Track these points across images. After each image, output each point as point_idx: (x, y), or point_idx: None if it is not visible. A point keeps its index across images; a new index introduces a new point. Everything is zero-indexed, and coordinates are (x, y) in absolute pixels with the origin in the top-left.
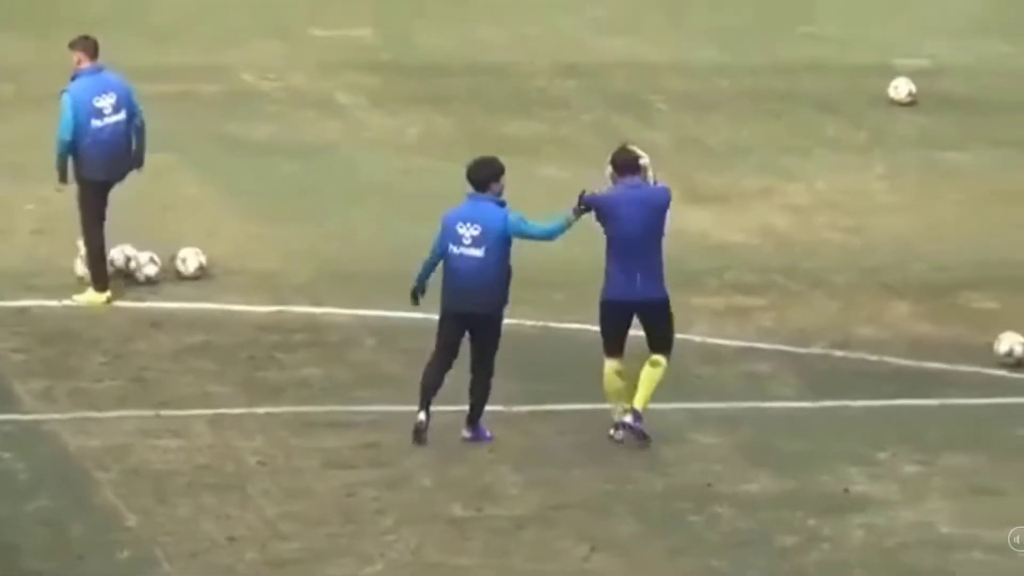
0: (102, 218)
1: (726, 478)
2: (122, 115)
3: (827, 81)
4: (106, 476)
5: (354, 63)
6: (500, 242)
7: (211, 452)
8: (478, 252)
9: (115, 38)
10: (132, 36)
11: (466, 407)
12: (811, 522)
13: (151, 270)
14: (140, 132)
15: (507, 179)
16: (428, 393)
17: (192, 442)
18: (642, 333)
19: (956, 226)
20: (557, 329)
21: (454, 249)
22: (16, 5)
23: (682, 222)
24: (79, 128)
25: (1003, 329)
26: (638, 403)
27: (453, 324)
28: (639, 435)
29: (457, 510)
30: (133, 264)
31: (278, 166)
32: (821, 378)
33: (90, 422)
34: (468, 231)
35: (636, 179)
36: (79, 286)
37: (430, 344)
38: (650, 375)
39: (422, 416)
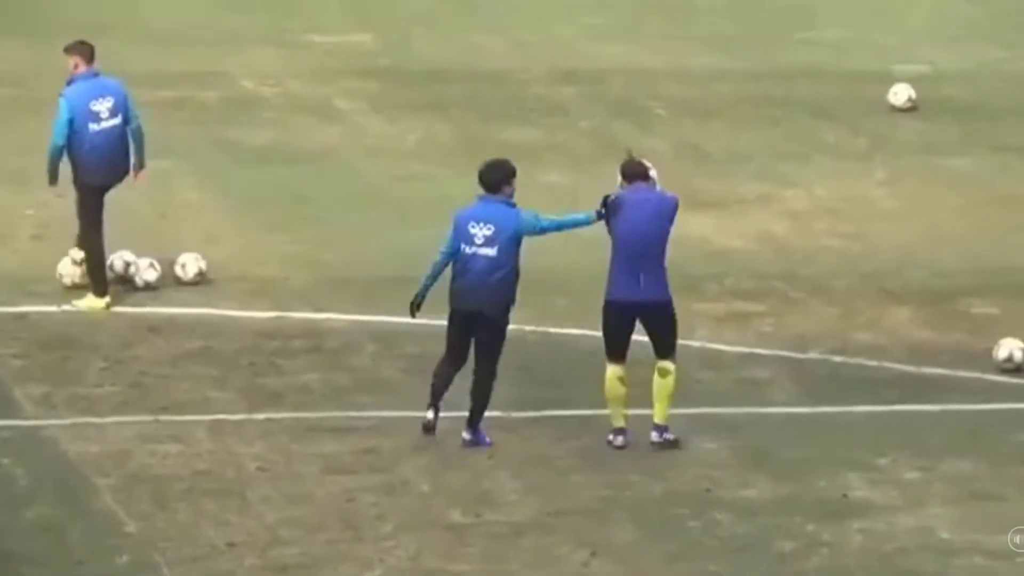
0: (100, 222)
1: (725, 483)
2: (118, 119)
3: (826, 87)
4: (105, 482)
5: (353, 69)
6: (512, 242)
7: (211, 457)
8: (491, 251)
9: (115, 44)
10: (132, 42)
11: (467, 412)
12: (810, 527)
13: (150, 276)
14: (138, 136)
15: None
16: (438, 392)
17: (192, 448)
18: (645, 339)
19: (955, 232)
20: (557, 335)
21: (466, 249)
22: (16, 11)
23: (682, 228)
24: (76, 133)
25: (1003, 335)
26: (659, 418)
27: (461, 323)
28: (670, 444)
29: (456, 516)
30: (132, 269)
31: (277, 172)
32: (820, 384)
33: (89, 428)
34: (481, 231)
35: (645, 186)
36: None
37: (430, 350)
38: (663, 387)
39: (430, 415)
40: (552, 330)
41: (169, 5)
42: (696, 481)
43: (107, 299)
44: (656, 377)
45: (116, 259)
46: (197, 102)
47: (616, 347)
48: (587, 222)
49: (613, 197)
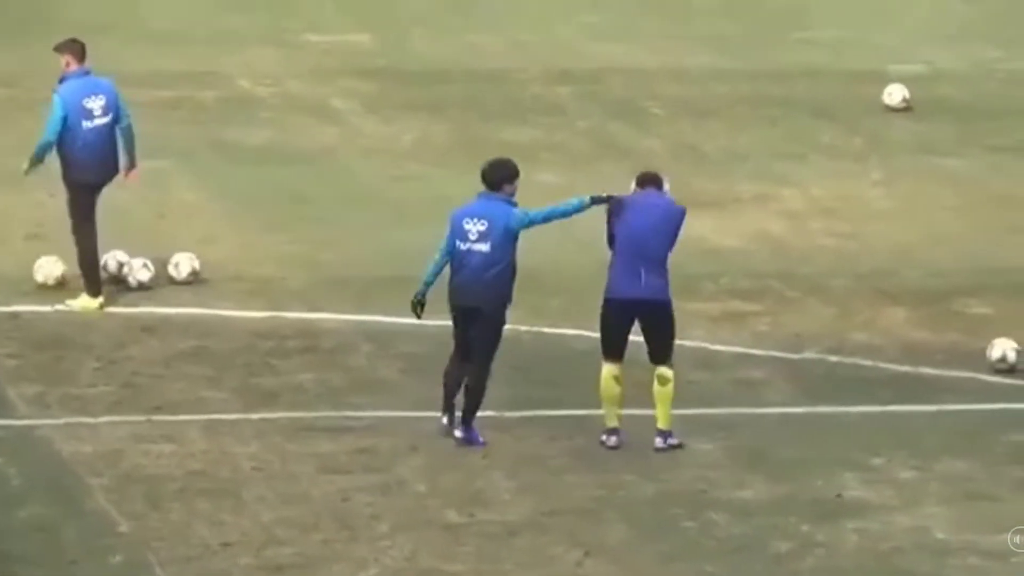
0: (92, 221)
1: (720, 484)
2: (110, 118)
3: (823, 87)
4: (99, 481)
5: (350, 69)
6: (506, 238)
7: (205, 457)
8: (484, 247)
9: (113, 44)
10: (128, 42)
11: (458, 413)
12: (805, 528)
13: (144, 275)
14: (129, 135)
15: None
16: (450, 393)
17: (185, 447)
18: (642, 339)
19: (951, 232)
20: (551, 335)
21: (461, 245)
22: (13, 11)
23: None
24: (69, 130)
25: (997, 335)
26: (662, 424)
27: (460, 320)
28: (674, 447)
29: (451, 516)
30: (126, 270)
31: (274, 172)
32: (816, 384)
33: (83, 427)
34: (475, 226)
35: (656, 192)
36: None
37: (425, 350)
38: (663, 395)
39: (445, 420)
40: (546, 330)
41: (167, 5)
42: (691, 481)
43: (100, 299)
44: (656, 385)
45: (109, 259)
46: (194, 102)
47: (613, 346)
48: (580, 207)
49: (620, 197)
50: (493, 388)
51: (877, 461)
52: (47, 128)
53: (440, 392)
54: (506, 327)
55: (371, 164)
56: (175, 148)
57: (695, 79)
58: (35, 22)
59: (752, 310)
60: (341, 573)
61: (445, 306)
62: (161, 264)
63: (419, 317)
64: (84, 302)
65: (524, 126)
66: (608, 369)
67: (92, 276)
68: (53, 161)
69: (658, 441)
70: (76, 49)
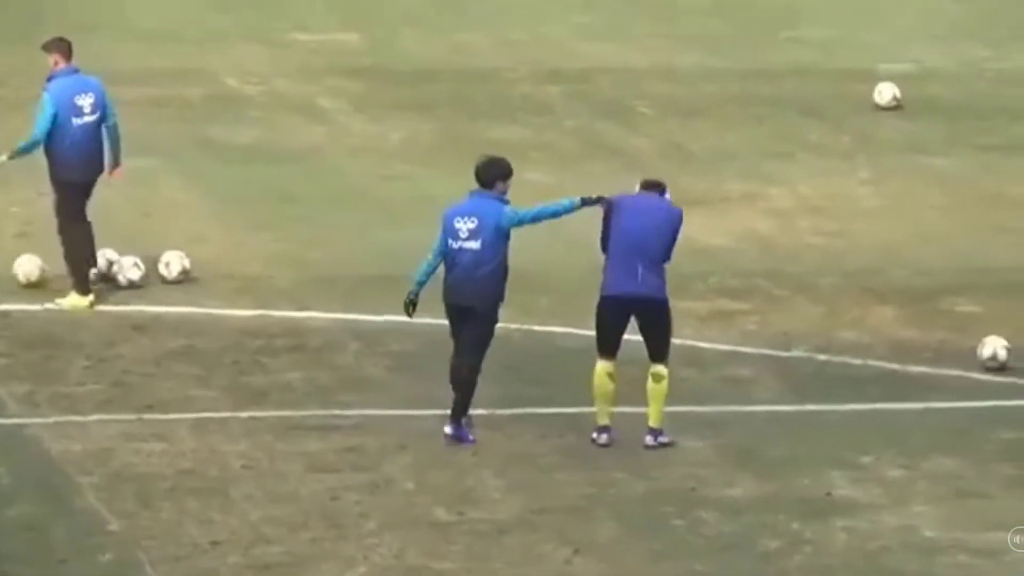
0: (81, 220)
1: (709, 482)
2: (98, 115)
3: (811, 86)
4: (89, 480)
5: (338, 68)
6: (496, 235)
7: (194, 456)
8: (475, 244)
9: (99, 42)
10: (116, 40)
11: (447, 411)
12: (794, 526)
13: (134, 274)
14: (115, 134)
15: None
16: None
17: (175, 446)
18: (635, 337)
19: (940, 231)
20: (540, 333)
21: (453, 244)
22: (1, 10)
23: None
24: (59, 127)
25: (986, 333)
26: (653, 421)
27: (455, 318)
28: (664, 445)
29: (440, 514)
30: (116, 268)
31: (261, 171)
32: (804, 382)
33: (73, 426)
34: (465, 224)
35: (656, 195)
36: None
37: (413, 348)
38: (657, 392)
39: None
40: (536, 328)
41: (155, 3)
42: (681, 479)
43: (90, 297)
44: (650, 382)
45: (99, 258)
46: (182, 100)
47: (608, 343)
48: (570, 208)
49: (612, 199)
50: (483, 386)
51: (866, 459)
52: (38, 125)
53: (434, 391)
54: (497, 325)
55: (359, 163)
56: (163, 147)
57: (684, 78)
58: (22, 21)
59: (740, 309)
60: (329, 572)
61: (434, 304)
62: (151, 263)
63: (410, 316)
64: (73, 301)
65: (513, 125)
66: (602, 366)
67: (79, 274)
68: (42, 159)
69: (648, 439)
70: (63, 48)
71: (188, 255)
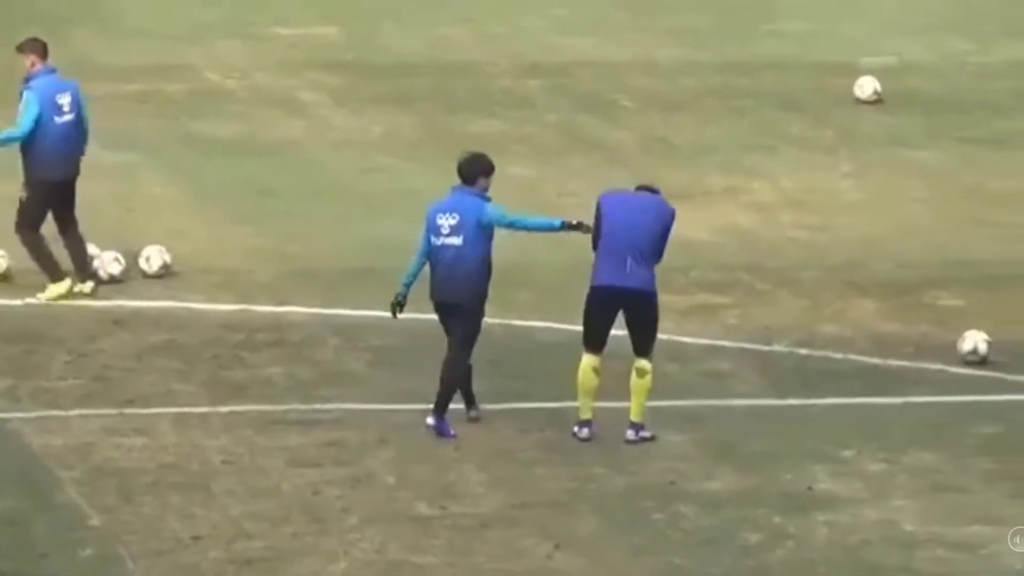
0: (40, 223)
1: (690, 476)
2: (75, 115)
3: (792, 80)
4: (70, 475)
5: (318, 62)
6: (477, 231)
7: (176, 451)
8: (456, 241)
9: (79, 37)
10: (96, 35)
11: (428, 405)
12: (775, 520)
13: (115, 269)
14: (85, 134)
15: None
16: (465, 393)
17: (156, 441)
18: (621, 332)
19: (921, 224)
20: (521, 327)
21: (435, 240)
22: None
23: None
24: (41, 125)
25: (968, 327)
26: (635, 416)
27: (442, 315)
28: (646, 440)
29: (421, 508)
30: (97, 263)
31: (242, 165)
32: (785, 376)
33: (54, 421)
34: (447, 221)
35: (648, 193)
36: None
37: (393, 342)
38: (640, 387)
39: (471, 413)
40: (516, 322)
41: None
42: (661, 474)
43: (67, 281)
44: (634, 376)
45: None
46: (162, 95)
47: (595, 337)
48: (549, 227)
49: (609, 195)
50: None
51: (846, 453)
52: (22, 122)
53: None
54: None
55: (339, 157)
56: (143, 141)
57: (664, 72)
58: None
59: (722, 302)
60: (311, 566)
61: (415, 299)
62: (132, 257)
63: (395, 317)
64: (52, 291)
65: (493, 119)
66: (588, 360)
67: (49, 266)
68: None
69: (629, 433)
70: (39, 48)
71: (169, 249)
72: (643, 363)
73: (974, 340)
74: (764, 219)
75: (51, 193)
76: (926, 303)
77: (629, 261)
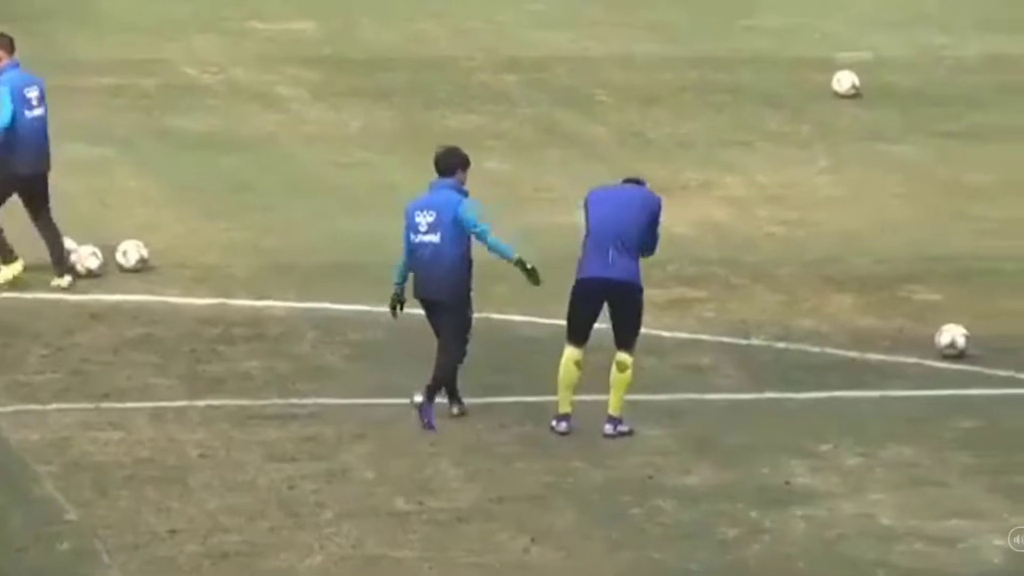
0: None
1: (667, 470)
2: (43, 109)
3: (770, 74)
4: (47, 469)
5: (295, 56)
6: (455, 229)
7: (152, 445)
8: (434, 238)
9: (55, 31)
10: (72, 29)
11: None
12: (753, 514)
13: (92, 263)
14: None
15: None
16: (450, 387)
17: (133, 435)
18: (604, 326)
19: (898, 218)
20: (498, 321)
21: (414, 238)
22: None
23: None
24: (16, 118)
25: (945, 321)
26: (613, 410)
27: (427, 311)
28: (623, 434)
29: (398, 503)
30: (75, 257)
31: (219, 159)
32: (763, 370)
33: (30, 415)
34: (424, 218)
35: (634, 185)
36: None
37: (371, 336)
38: (620, 381)
39: (454, 410)
40: (493, 316)
41: None
42: (638, 468)
43: (20, 263)
44: (614, 370)
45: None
46: (138, 89)
47: (578, 330)
48: (506, 256)
49: (594, 190)
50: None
51: (824, 447)
52: (1, 114)
53: (392, 380)
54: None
55: (316, 151)
56: (119, 135)
57: (641, 66)
58: None
59: (699, 297)
60: (287, 560)
61: (389, 294)
62: (109, 251)
63: (395, 316)
64: (5, 273)
65: (470, 114)
66: (570, 353)
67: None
68: None
69: (607, 428)
70: (5, 43)
71: (146, 244)
72: (624, 357)
73: (952, 334)
74: (741, 214)
75: (19, 186)
76: (903, 297)
77: (612, 252)
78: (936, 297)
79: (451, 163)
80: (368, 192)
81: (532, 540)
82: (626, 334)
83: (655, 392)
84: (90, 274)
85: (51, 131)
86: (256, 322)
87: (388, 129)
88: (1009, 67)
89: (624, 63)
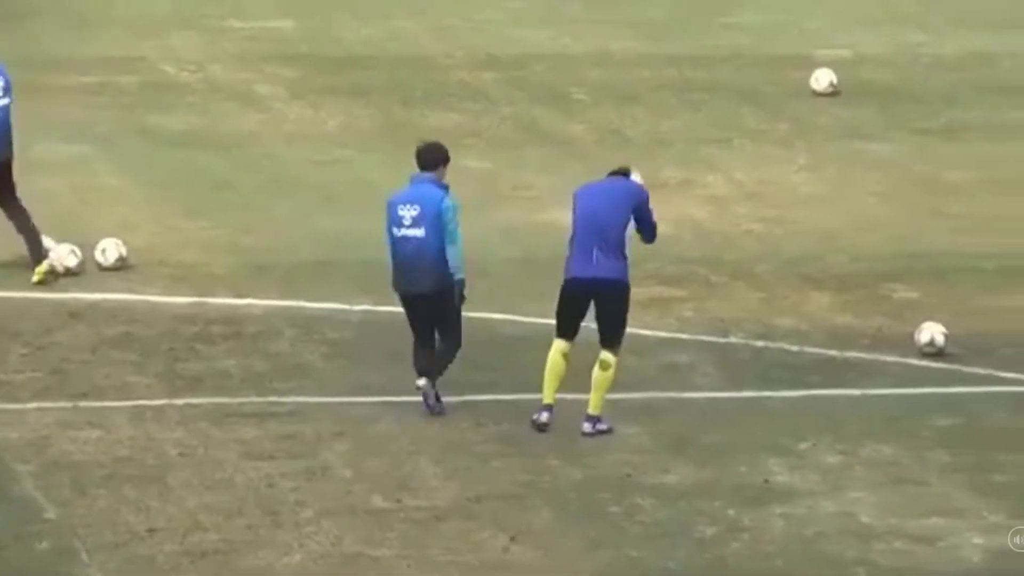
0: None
1: (646, 469)
2: (9, 99)
3: (748, 72)
4: (26, 468)
5: (274, 55)
6: (438, 222)
7: (131, 444)
8: (419, 232)
9: (34, 28)
10: (51, 26)
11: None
12: (731, 512)
13: (71, 261)
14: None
15: None
16: (422, 370)
17: (112, 434)
18: (591, 325)
19: (877, 216)
20: (477, 319)
21: (396, 232)
22: None
23: None
24: None
25: (924, 319)
26: (592, 408)
27: (409, 306)
28: (602, 433)
29: (377, 501)
30: (53, 255)
31: (197, 158)
32: (741, 369)
33: (9, 414)
34: (408, 212)
35: (619, 178)
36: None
37: (349, 335)
38: (602, 379)
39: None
40: (473, 314)
41: None
42: (617, 466)
43: None
44: (597, 369)
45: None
46: (117, 87)
47: (566, 326)
48: (455, 272)
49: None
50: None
51: (803, 446)
52: None
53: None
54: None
55: (295, 149)
56: (97, 133)
57: (619, 64)
58: None
59: (677, 295)
60: (265, 559)
61: (373, 290)
62: (87, 250)
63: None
64: None
65: (449, 111)
66: (558, 345)
67: None
68: None
69: (586, 426)
70: None
71: (125, 242)
72: (607, 356)
73: (931, 332)
74: (720, 212)
75: None
76: (882, 295)
77: (595, 252)
78: (915, 295)
79: (434, 158)
80: (347, 190)
81: (511, 539)
82: (610, 332)
83: (633, 390)
84: (69, 272)
85: (34, 129)
86: (235, 320)
87: (367, 127)
88: (987, 64)
89: (602, 60)
